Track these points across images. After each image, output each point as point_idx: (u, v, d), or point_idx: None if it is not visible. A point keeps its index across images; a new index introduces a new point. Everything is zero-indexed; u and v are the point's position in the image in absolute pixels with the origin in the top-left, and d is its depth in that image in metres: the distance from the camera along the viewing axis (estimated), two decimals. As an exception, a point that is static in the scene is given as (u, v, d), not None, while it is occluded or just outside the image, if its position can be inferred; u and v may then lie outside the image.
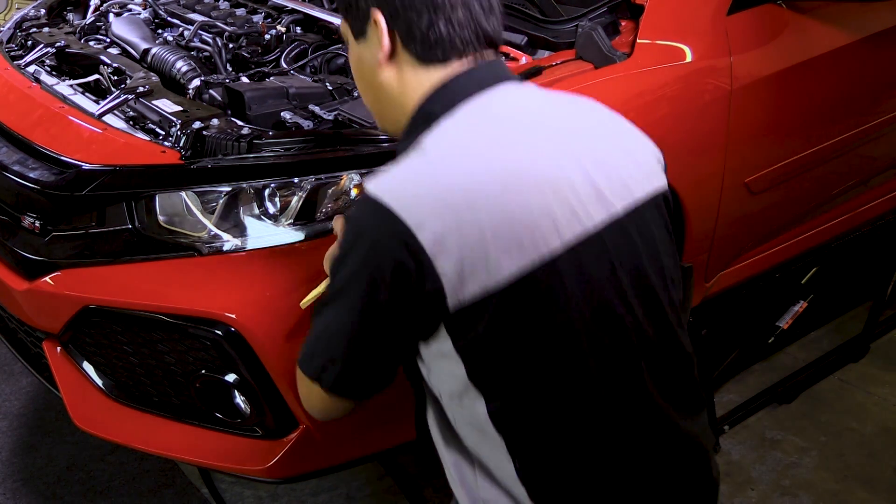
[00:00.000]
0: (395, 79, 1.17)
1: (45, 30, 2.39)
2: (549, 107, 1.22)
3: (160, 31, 2.38)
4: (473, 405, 1.12)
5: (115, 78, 2.05)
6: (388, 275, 1.04)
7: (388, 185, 1.07)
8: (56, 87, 2.02)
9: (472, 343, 1.08)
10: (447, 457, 1.22)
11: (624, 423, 1.16)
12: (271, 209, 1.65)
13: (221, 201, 1.67)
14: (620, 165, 1.18)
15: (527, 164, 1.11)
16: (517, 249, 1.06)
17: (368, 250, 1.05)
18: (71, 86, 2.03)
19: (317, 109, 1.82)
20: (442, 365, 1.12)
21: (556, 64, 1.90)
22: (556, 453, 1.14)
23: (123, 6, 2.50)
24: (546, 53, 2.01)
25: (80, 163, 1.75)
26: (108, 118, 1.87)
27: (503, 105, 1.16)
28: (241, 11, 2.39)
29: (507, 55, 1.96)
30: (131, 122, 1.87)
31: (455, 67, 1.16)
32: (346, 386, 1.16)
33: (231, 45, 2.15)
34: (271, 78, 1.96)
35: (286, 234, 1.64)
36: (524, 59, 1.95)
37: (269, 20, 2.34)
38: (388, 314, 1.07)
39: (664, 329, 1.20)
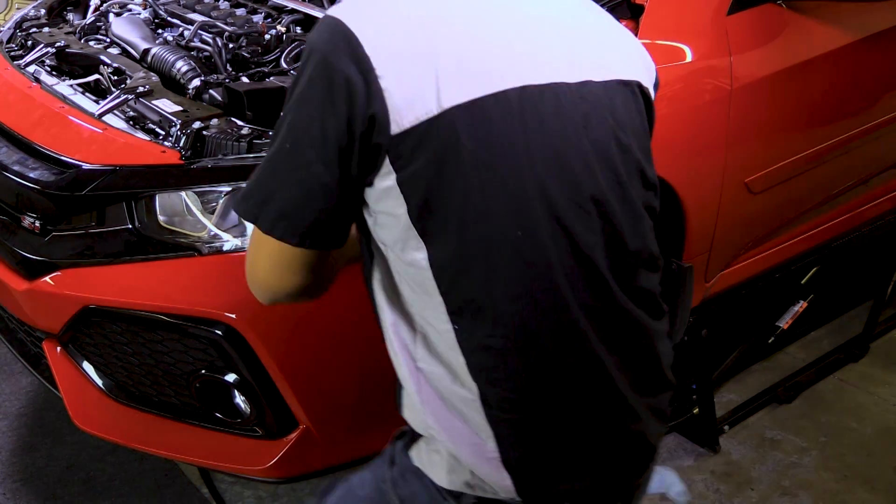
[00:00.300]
0: None
1: (45, 30, 2.38)
2: None
3: (160, 31, 2.38)
4: (414, 255, 1.06)
5: (115, 78, 2.05)
6: (336, 91, 1.01)
7: (348, 6, 1.06)
8: (56, 87, 2.02)
9: (413, 176, 1.02)
10: (388, 317, 1.15)
11: (570, 293, 1.09)
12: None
13: (221, 201, 1.67)
14: (602, 44, 1.17)
15: (501, 10, 1.10)
16: (469, 80, 1.03)
17: (319, 64, 1.02)
18: (71, 86, 2.03)
19: (317, 109, 1.82)
20: (386, 206, 1.05)
21: (556, 64, 1.90)
22: (494, 318, 1.07)
23: (123, 6, 2.49)
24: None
25: (80, 163, 1.75)
26: (108, 118, 1.87)
27: None
28: (241, 11, 2.39)
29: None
30: (131, 122, 1.87)
31: None
32: (288, 225, 1.05)
33: (231, 45, 2.15)
34: (271, 78, 1.96)
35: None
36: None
37: (269, 20, 2.34)
38: (333, 133, 1.02)
39: (629, 206, 1.14)
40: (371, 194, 1.06)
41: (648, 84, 1.22)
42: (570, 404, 1.13)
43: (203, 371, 1.72)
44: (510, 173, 1.05)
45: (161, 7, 2.44)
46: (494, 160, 1.04)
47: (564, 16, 1.16)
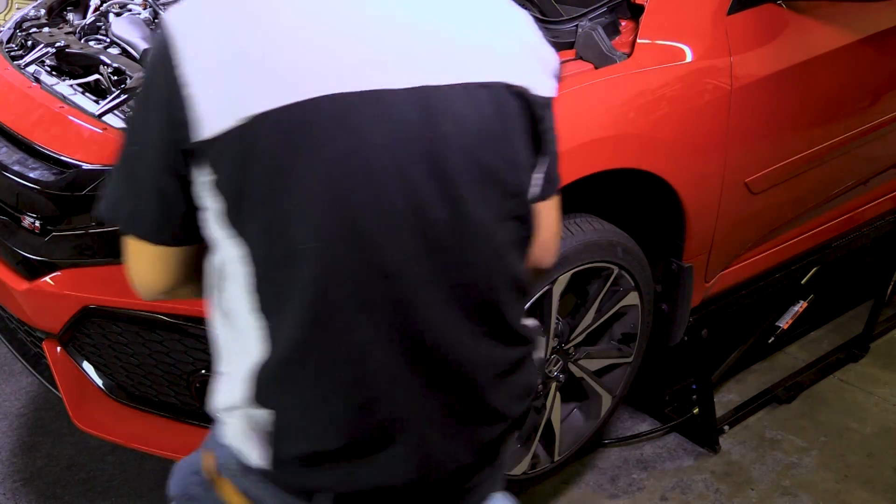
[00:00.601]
0: None
1: (45, 30, 2.38)
2: None
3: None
4: (226, 254, 1.08)
5: (115, 78, 2.05)
6: (155, 95, 1.04)
7: (182, 8, 1.07)
8: (56, 87, 2.02)
9: (222, 181, 1.03)
10: (214, 309, 1.16)
11: (366, 316, 1.05)
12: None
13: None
14: (464, 46, 1.10)
15: (341, 13, 1.06)
16: (277, 88, 1.01)
17: (146, 68, 1.07)
18: (71, 86, 2.03)
19: (317, 109, 1.82)
20: (206, 205, 1.07)
21: (556, 64, 1.90)
22: (293, 322, 1.06)
23: (123, 6, 2.49)
24: (546, 53, 2.01)
25: (80, 163, 1.75)
26: (108, 118, 1.87)
27: None
28: (241, 11, 2.39)
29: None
30: (131, 122, 1.87)
31: None
32: (140, 223, 1.10)
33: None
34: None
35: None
36: (524, 59, 1.95)
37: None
38: (157, 135, 1.05)
39: (464, 221, 1.08)
40: (196, 194, 1.09)
41: (532, 84, 1.14)
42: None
43: (203, 371, 1.72)
44: (310, 182, 1.03)
45: (161, 7, 2.43)
46: (294, 169, 1.03)
47: (426, 16, 1.10)
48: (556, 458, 2.13)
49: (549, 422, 2.07)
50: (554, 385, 2.04)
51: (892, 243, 3.06)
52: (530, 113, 1.14)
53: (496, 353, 1.14)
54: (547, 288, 1.85)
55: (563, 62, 1.91)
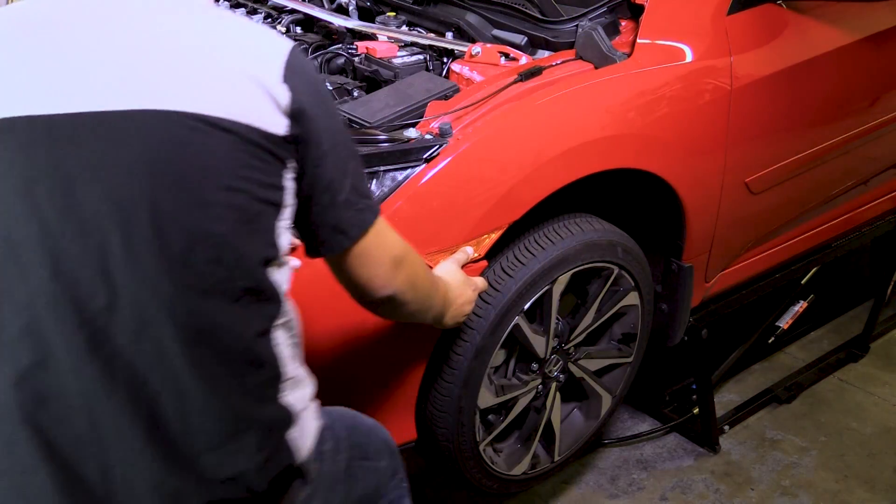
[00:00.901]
0: None
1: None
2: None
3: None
4: None
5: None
6: None
7: None
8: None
9: None
10: None
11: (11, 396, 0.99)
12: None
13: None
14: (163, 70, 1.01)
15: (36, 36, 1.02)
16: None
17: None
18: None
19: (317, 109, 1.82)
20: None
21: (556, 64, 1.90)
22: None
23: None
24: (546, 53, 2.01)
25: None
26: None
27: None
28: (240, 11, 2.39)
29: (507, 55, 1.96)
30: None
31: None
32: None
33: (231, 45, 2.15)
34: (271, 78, 1.96)
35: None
36: (524, 58, 1.96)
37: (269, 20, 2.34)
38: None
39: (124, 301, 0.98)
40: None
41: (237, 116, 1.02)
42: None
43: None
44: None
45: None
46: None
47: (127, 39, 1.03)
48: (556, 458, 2.13)
49: (549, 422, 2.07)
50: (554, 385, 2.04)
51: (893, 243, 3.07)
52: (233, 147, 1.02)
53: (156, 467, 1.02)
54: (547, 288, 1.85)
55: (563, 62, 1.92)
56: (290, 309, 1.17)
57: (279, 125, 1.06)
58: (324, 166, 1.11)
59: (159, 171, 0.98)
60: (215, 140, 1.01)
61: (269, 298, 1.08)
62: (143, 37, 1.03)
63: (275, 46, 1.10)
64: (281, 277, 1.11)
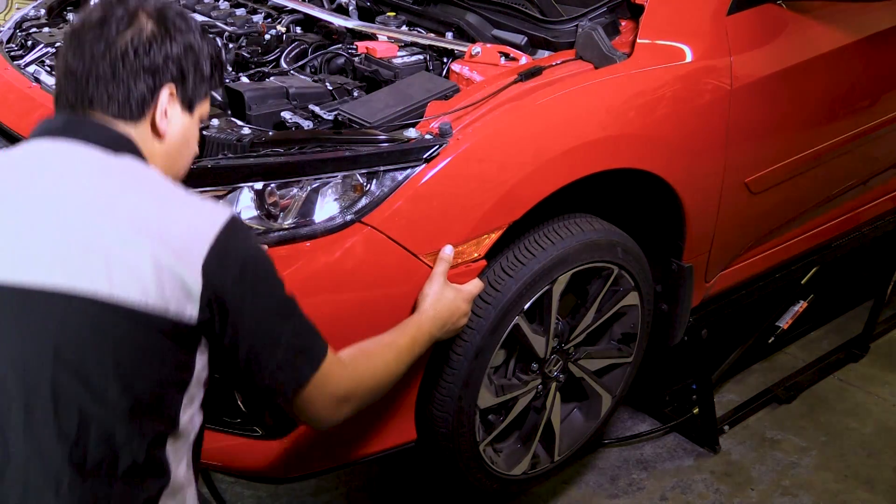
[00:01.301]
0: None
1: (45, 30, 2.38)
2: (79, 172, 1.12)
3: (160, 31, 2.37)
4: None
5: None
6: None
7: None
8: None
9: None
10: None
11: None
12: (271, 210, 1.65)
13: (222, 202, 1.67)
14: (72, 248, 1.05)
15: None
16: None
17: None
18: (71, 86, 2.02)
19: (317, 109, 1.82)
20: None
21: (556, 64, 1.90)
22: None
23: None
24: (546, 53, 2.01)
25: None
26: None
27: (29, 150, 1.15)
28: (241, 11, 2.39)
29: (507, 55, 1.96)
30: (131, 123, 1.86)
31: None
32: None
33: (231, 45, 2.15)
34: (271, 78, 1.96)
35: (286, 235, 1.64)
36: (524, 58, 1.96)
37: (269, 20, 2.34)
38: None
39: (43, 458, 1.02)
40: None
41: (150, 304, 1.05)
42: None
43: (203, 371, 1.72)
44: None
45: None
46: None
47: (58, 211, 1.08)
48: (556, 458, 2.13)
49: (549, 422, 2.07)
50: (554, 385, 2.04)
51: (893, 243, 3.06)
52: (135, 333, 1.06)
53: None
54: (547, 288, 1.85)
55: (562, 62, 1.92)
56: (182, 470, 1.16)
57: (191, 313, 1.09)
58: (245, 344, 1.14)
59: (62, 357, 1.03)
60: (122, 330, 1.04)
61: (157, 475, 1.11)
62: (75, 211, 1.07)
63: (202, 231, 1.11)
64: (176, 450, 1.13)
